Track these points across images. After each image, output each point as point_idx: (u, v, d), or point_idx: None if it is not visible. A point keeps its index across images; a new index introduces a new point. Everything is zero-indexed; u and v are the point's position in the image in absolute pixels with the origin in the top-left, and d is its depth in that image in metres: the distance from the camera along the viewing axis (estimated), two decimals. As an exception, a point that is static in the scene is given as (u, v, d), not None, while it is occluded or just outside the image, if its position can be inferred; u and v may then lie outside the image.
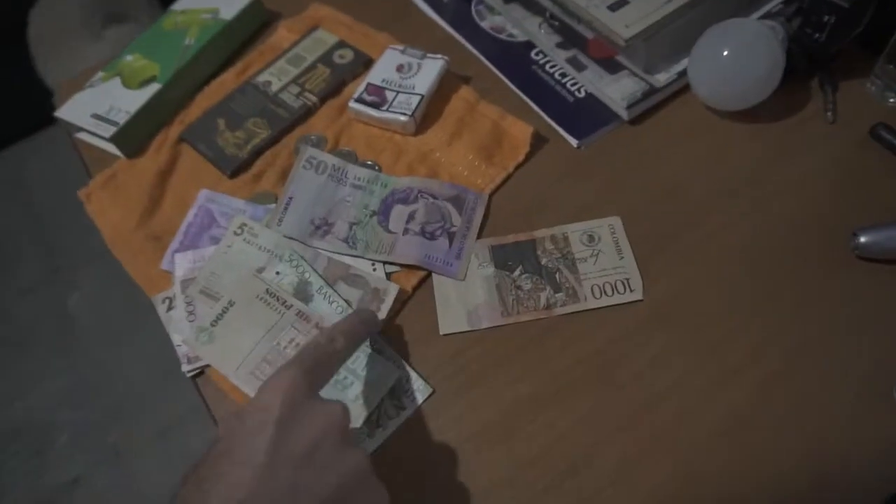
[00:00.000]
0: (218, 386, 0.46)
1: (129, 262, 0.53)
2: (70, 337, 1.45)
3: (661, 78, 0.54)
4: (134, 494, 1.22)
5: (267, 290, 0.47)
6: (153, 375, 1.31)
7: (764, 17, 0.56)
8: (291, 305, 0.46)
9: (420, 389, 0.44)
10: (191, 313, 0.49)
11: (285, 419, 0.32)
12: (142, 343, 1.31)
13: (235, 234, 0.51)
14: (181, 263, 0.50)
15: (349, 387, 0.43)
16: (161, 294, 0.50)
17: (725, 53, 0.50)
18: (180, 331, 0.48)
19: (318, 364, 0.37)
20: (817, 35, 0.51)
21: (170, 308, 0.50)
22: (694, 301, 0.45)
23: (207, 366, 0.46)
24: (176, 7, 0.67)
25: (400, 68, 0.58)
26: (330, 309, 0.46)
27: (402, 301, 0.47)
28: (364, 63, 0.62)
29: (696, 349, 0.43)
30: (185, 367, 0.47)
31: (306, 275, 0.48)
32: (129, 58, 0.62)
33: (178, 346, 0.48)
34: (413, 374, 0.44)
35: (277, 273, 0.48)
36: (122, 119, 0.58)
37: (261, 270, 0.48)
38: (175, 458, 1.22)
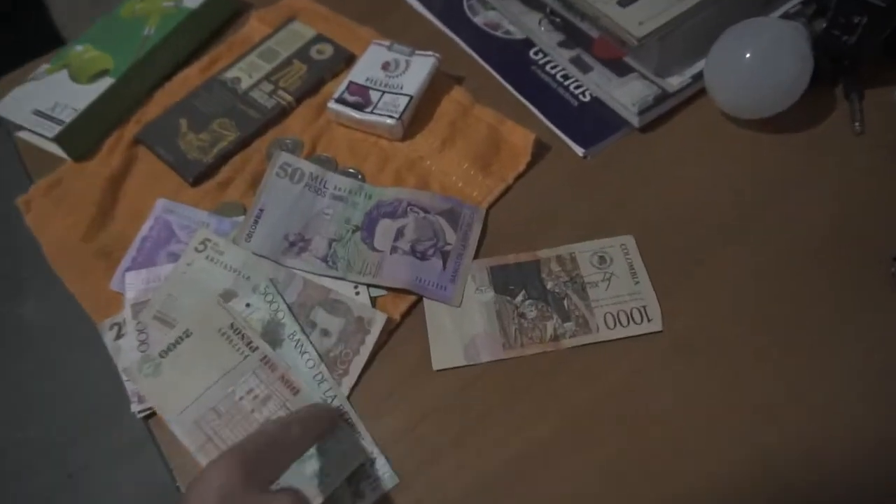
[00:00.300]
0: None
1: (73, 281, 0.46)
2: (24, 349, 1.35)
3: (674, 81, 0.49)
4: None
5: (231, 324, 0.40)
6: (115, 392, 1.22)
7: (781, 17, 0.51)
8: (257, 347, 0.40)
9: (385, 477, 0.37)
10: (143, 342, 0.42)
11: None
12: (100, 355, 1.22)
13: (197, 250, 0.44)
14: (133, 283, 0.44)
15: (307, 461, 0.37)
16: (109, 319, 0.44)
17: (748, 56, 0.45)
18: (130, 363, 0.41)
19: (261, 455, 0.30)
20: (846, 37, 0.47)
21: (119, 335, 0.43)
22: (718, 332, 0.40)
23: (162, 405, 0.40)
24: (134, -7, 0.60)
25: (386, 66, 0.52)
26: (300, 361, 0.40)
27: (388, 331, 0.42)
28: (345, 59, 0.56)
29: (723, 387, 0.38)
30: (134, 407, 0.40)
31: (280, 314, 0.41)
32: (78, 48, 0.55)
33: (128, 380, 0.41)
34: (380, 459, 0.37)
35: (248, 305, 0.42)
36: (68, 117, 0.51)
37: (228, 297, 0.42)
38: (135, 484, 1.14)
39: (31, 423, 1.25)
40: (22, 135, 0.54)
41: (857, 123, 0.47)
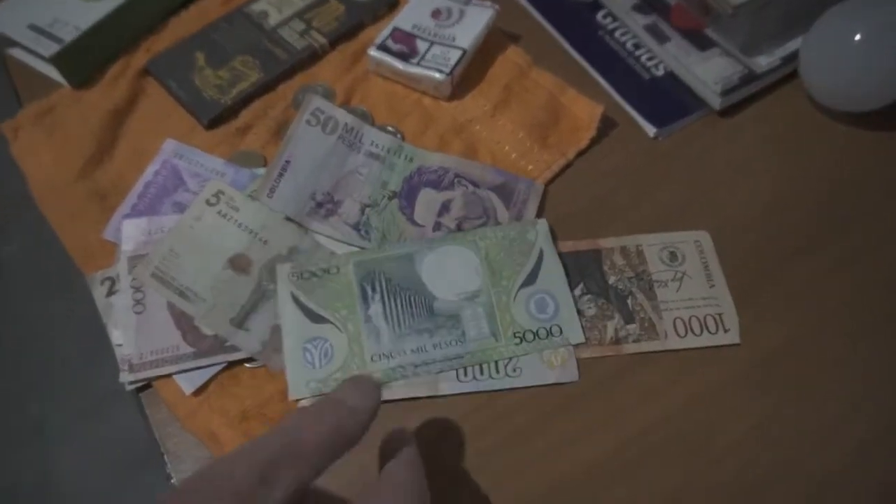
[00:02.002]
0: (171, 408, 0.34)
1: (62, 224, 0.40)
2: (-1, 292, 1.28)
3: (762, 61, 0.44)
4: (48, 477, 1.07)
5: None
6: (85, 344, 1.16)
7: None
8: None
9: None
10: (138, 302, 0.36)
11: None
12: (77, 303, 1.15)
13: (209, 203, 0.38)
14: (131, 233, 0.38)
15: None
16: (101, 273, 0.38)
17: (857, 38, 0.39)
18: (123, 325, 0.36)
19: (280, 461, 0.23)
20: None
21: (110, 292, 0.37)
22: (805, 352, 0.35)
23: (156, 378, 0.34)
24: None
25: (437, 14, 0.46)
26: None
27: (425, 315, 0.36)
28: (388, 4, 0.49)
29: (810, 416, 0.33)
30: (124, 377, 0.35)
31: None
32: (86, -40, 0.48)
33: (119, 345, 0.36)
34: None
35: None
36: (69, 36, 0.44)
37: (239, 263, 0.36)
38: (99, 442, 1.08)
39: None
40: (13, 52, 0.47)
41: (965, 129, 0.42)
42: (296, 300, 0.36)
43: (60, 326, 1.21)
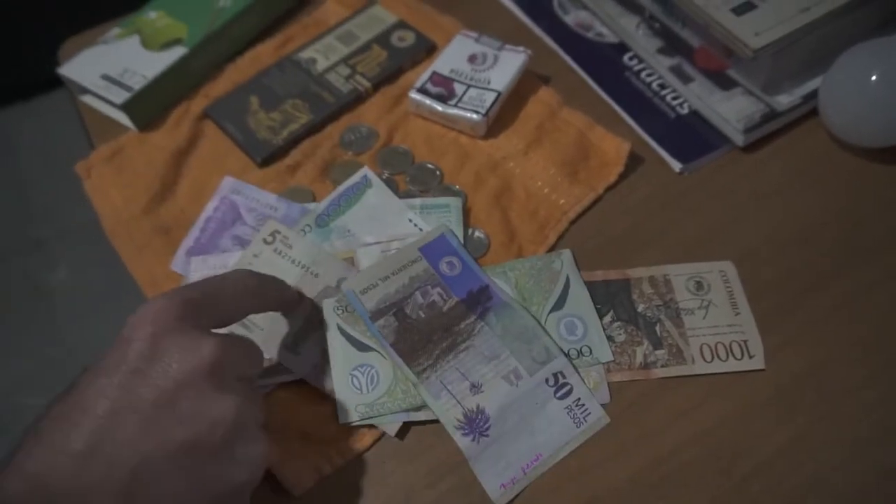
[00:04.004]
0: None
1: (131, 256, 0.44)
2: (45, 314, 1.34)
3: (784, 100, 0.46)
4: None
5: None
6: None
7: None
8: None
9: None
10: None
11: (144, 358, 0.28)
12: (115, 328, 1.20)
13: (266, 241, 0.41)
14: (199, 270, 0.41)
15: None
16: (166, 301, 0.41)
17: (874, 78, 0.41)
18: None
19: (203, 300, 0.31)
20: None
21: (175, 319, 0.40)
22: (830, 377, 0.36)
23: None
24: (211, -37, 0.58)
25: (472, 59, 0.49)
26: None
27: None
28: (427, 49, 0.53)
29: (835, 440, 0.34)
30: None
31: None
32: (151, 14, 0.53)
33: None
34: None
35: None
36: (137, 84, 0.48)
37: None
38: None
39: (39, 391, 1.23)
40: (86, 98, 0.52)
41: (984, 162, 0.43)
42: (342, 331, 0.38)
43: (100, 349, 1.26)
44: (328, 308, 0.39)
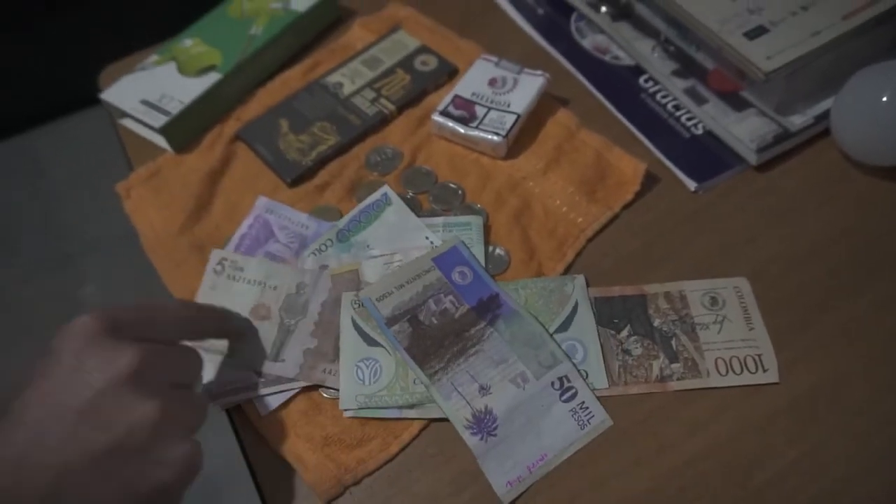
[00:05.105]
0: (258, 431, 0.39)
1: (169, 272, 0.46)
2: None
3: (796, 121, 0.47)
4: None
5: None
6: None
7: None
8: None
9: None
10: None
11: (70, 368, 0.30)
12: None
13: (216, 272, 0.44)
14: (230, 282, 0.43)
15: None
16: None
17: (885, 99, 0.43)
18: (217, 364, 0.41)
19: (131, 316, 0.33)
20: None
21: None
22: (844, 391, 0.37)
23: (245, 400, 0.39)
24: (242, -7, 0.60)
25: (493, 82, 0.51)
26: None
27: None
28: (448, 72, 0.55)
29: (847, 454, 0.35)
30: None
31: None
32: (187, 42, 0.56)
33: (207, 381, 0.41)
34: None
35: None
36: (174, 108, 0.51)
37: (260, 312, 0.42)
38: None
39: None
40: (125, 122, 0.55)
41: None
42: (354, 324, 0.41)
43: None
44: (346, 301, 0.41)
